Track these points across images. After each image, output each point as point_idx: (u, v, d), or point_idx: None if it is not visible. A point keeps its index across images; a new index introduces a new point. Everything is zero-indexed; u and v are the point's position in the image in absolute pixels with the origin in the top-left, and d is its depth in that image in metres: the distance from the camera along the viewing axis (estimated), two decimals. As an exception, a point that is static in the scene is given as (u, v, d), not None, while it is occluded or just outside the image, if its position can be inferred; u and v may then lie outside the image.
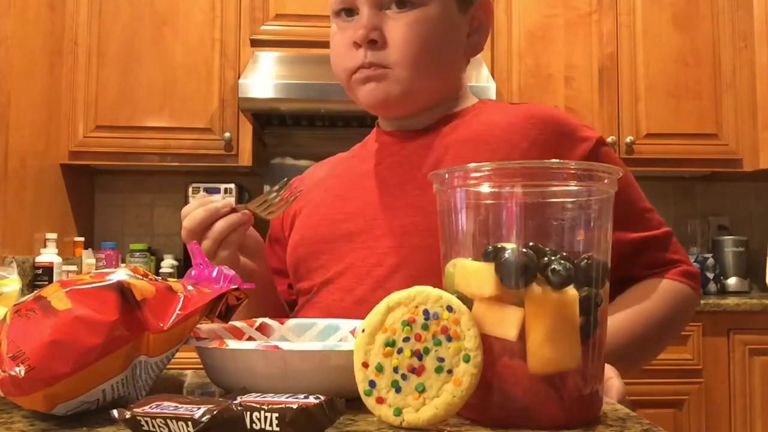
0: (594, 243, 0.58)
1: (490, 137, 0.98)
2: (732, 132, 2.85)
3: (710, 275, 2.89)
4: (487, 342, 0.55)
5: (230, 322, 0.79)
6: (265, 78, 2.67)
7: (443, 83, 1.04)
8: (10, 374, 0.55)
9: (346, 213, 1.02)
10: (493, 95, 2.60)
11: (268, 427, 0.48)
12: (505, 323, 0.55)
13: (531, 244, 0.56)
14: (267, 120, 2.96)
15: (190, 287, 0.65)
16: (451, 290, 0.58)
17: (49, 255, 2.52)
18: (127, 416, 0.49)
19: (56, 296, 0.59)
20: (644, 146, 2.83)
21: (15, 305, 0.61)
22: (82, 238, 2.85)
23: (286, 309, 1.10)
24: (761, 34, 2.77)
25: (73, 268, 2.58)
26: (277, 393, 0.53)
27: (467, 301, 0.56)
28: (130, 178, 3.11)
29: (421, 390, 0.54)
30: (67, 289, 0.59)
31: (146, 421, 0.49)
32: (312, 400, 0.49)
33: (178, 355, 0.65)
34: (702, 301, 2.49)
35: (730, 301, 2.54)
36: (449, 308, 0.55)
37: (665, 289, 0.99)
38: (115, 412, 0.50)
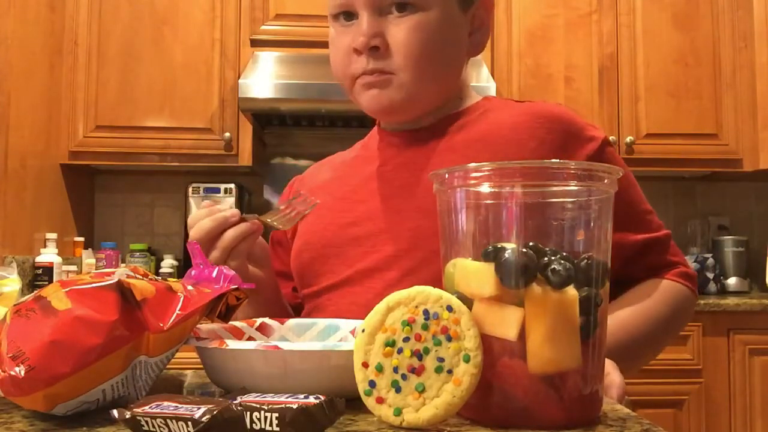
0: (594, 243, 0.58)
1: (498, 137, 0.98)
2: (732, 132, 2.85)
3: (710, 275, 2.89)
4: (487, 342, 0.55)
5: (230, 322, 0.79)
6: (265, 78, 2.67)
7: (446, 86, 1.03)
8: (10, 374, 0.55)
9: (353, 217, 1.01)
10: (493, 95, 2.59)
11: (268, 427, 0.48)
12: (505, 323, 0.55)
13: (531, 244, 0.56)
14: (267, 120, 2.96)
15: (190, 287, 0.65)
16: (451, 290, 0.58)
17: (49, 255, 2.52)
18: (127, 416, 0.49)
19: (56, 296, 0.59)
20: (644, 146, 2.83)
21: (15, 305, 0.61)
22: (82, 238, 2.85)
23: (291, 314, 1.10)
24: (761, 34, 2.77)
25: (73, 268, 2.58)
26: (277, 393, 0.53)
27: (467, 301, 0.56)
28: (130, 178, 3.11)
29: (421, 390, 0.54)
30: (67, 289, 0.59)
31: (146, 421, 0.49)
32: (312, 400, 0.49)
33: (178, 355, 0.65)
34: (702, 301, 2.49)
35: (730, 301, 2.54)
36: (449, 308, 0.55)
37: (665, 289, 0.99)
38: (115, 412, 0.50)
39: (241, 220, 0.90)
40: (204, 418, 0.47)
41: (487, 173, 0.58)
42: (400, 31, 0.96)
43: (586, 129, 0.99)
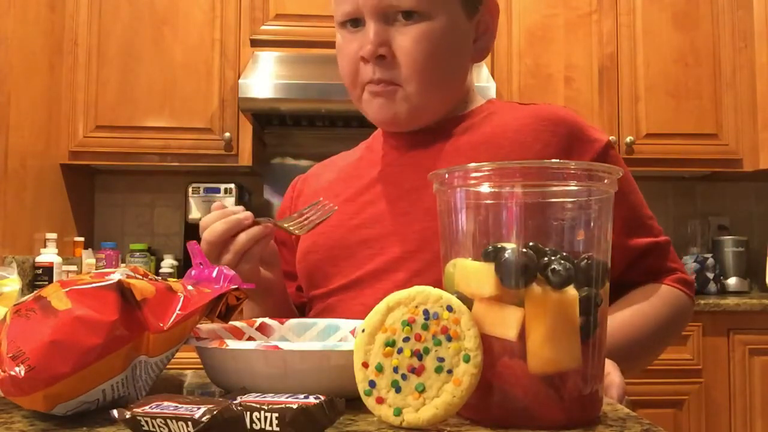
0: (594, 243, 0.58)
1: (503, 140, 0.98)
2: (732, 132, 2.85)
3: (710, 275, 2.89)
4: (487, 342, 0.55)
5: (230, 322, 0.79)
6: (265, 78, 2.67)
7: (451, 94, 1.03)
8: (10, 374, 0.55)
9: (361, 219, 1.02)
10: (493, 95, 2.59)
11: (268, 427, 0.48)
12: (505, 323, 0.55)
13: (531, 244, 0.56)
14: (267, 120, 2.96)
15: (190, 287, 0.65)
16: (451, 290, 0.58)
17: (49, 255, 2.52)
18: (127, 416, 0.49)
19: (56, 296, 0.59)
20: (644, 146, 2.83)
21: (15, 305, 0.61)
22: (82, 238, 2.85)
23: (298, 316, 1.10)
24: (761, 34, 2.77)
25: (73, 268, 2.58)
26: (277, 393, 0.53)
27: (467, 301, 0.56)
28: (130, 178, 3.11)
29: (421, 390, 0.54)
30: (67, 289, 0.59)
31: (146, 421, 0.49)
32: (312, 400, 0.49)
33: (178, 355, 0.65)
34: (702, 301, 2.49)
35: (730, 301, 2.54)
36: (449, 308, 0.55)
37: (663, 294, 1.00)
38: (115, 412, 0.50)
39: (254, 223, 0.90)
40: (204, 418, 0.47)
41: (487, 173, 0.58)
42: (405, 40, 0.96)
43: (589, 131, 1.00)
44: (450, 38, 0.98)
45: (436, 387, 0.54)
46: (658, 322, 0.98)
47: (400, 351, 0.55)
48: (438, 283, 0.60)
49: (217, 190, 2.83)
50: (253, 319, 0.84)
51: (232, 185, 2.84)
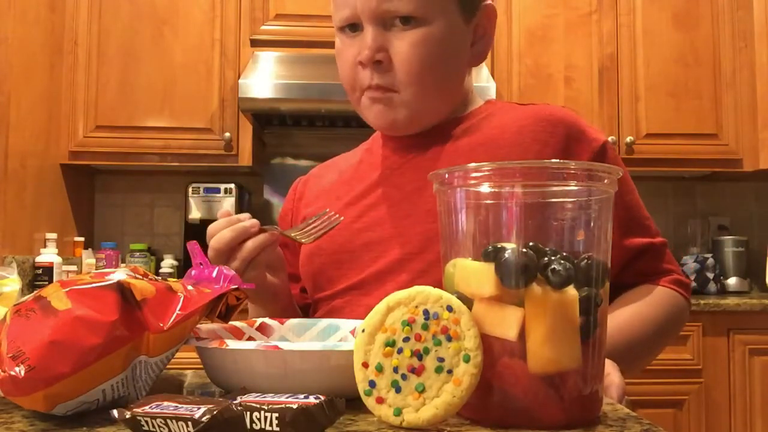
0: (594, 243, 0.58)
1: (502, 141, 0.99)
2: (732, 132, 2.85)
3: (710, 275, 2.89)
4: (487, 342, 0.55)
5: (230, 322, 0.79)
6: (265, 78, 2.67)
7: (449, 99, 1.03)
8: (10, 374, 0.55)
9: (363, 222, 1.02)
10: (493, 95, 2.59)
11: (268, 427, 0.48)
12: (505, 323, 0.55)
13: (531, 244, 0.56)
14: (267, 120, 2.96)
15: (190, 287, 0.65)
16: (451, 290, 0.58)
17: (49, 255, 2.52)
18: (127, 416, 0.49)
19: (56, 296, 0.59)
20: (644, 146, 2.83)
21: (15, 305, 0.61)
22: (82, 238, 2.85)
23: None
24: (761, 34, 2.77)
25: (73, 268, 2.58)
26: (277, 393, 0.53)
27: (467, 301, 0.56)
28: (130, 178, 3.11)
29: (421, 390, 0.54)
30: (67, 289, 0.59)
31: (146, 421, 0.49)
32: (312, 400, 0.49)
33: (178, 355, 0.65)
34: (702, 301, 2.49)
35: (730, 301, 2.54)
36: (449, 308, 0.55)
37: (660, 294, 1.00)
38: (115, 412, 0.50)
39: (261, 230, 0.91)
40: (204, 418, 0.47)
41: (487, 173, 0.58)
42: (403, 45, 0.96)
43: (587, 131, 1.00)
44: (448, 43, 0.98)
45: (436, 387, 0.54)
46: (655, 323, 0.98)
47: (400, 351, 0.55)
48: (441, 284, 0.60)
49: (217, 190, 2.83)
50: (253, 319, 0.84)
51: (232, 185, 2.84)
